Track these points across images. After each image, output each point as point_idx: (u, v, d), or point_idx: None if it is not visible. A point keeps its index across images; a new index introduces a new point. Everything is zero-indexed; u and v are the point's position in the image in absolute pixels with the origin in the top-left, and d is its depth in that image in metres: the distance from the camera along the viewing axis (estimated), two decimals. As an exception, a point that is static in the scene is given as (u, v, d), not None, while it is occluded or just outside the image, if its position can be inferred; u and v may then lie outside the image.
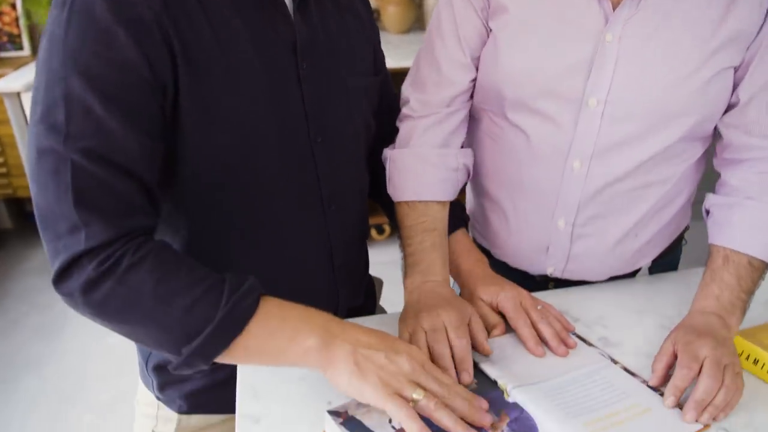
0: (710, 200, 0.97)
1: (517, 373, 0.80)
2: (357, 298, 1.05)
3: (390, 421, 0.71)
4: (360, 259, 1.06)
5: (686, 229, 1.12)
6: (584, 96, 0.89)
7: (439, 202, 0.98)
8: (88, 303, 0.67)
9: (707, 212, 0.98)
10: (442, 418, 0.66)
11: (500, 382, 0.78)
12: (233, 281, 0.70)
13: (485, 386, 0.79)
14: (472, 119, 1.04)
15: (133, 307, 0.67)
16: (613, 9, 0.86)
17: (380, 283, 1.19)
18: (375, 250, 1.26)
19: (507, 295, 0.91)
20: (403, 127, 1.01)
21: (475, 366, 0.81)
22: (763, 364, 0.85)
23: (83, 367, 2.27)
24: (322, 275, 0.94)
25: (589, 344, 0.90)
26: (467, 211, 1.15)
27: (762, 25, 0.85)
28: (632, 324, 0.96)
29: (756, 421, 0.76)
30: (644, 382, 0.82)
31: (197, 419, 0.96)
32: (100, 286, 0.66)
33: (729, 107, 0.92)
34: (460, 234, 1.03)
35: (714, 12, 0.84)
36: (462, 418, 0.67)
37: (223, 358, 0.69)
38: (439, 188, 0.98)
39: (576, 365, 0.84)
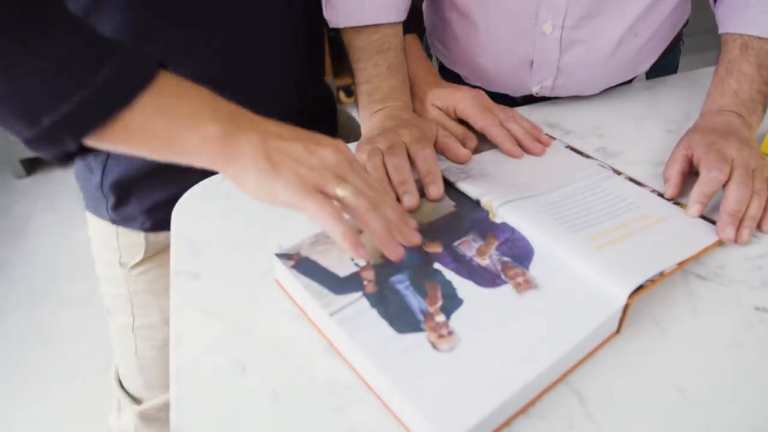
0: None
1: (504, 190, 0.67)
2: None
3: (352, 259, 0.58)
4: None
5: (686, 24, 0.96)
6: None
7: (390, 24, 0.81)
8: None
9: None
10: (372, 221, 0.51)
11: (483, 201, 0.65)
12: (128, 47, 0.50)
13: (466, 208, 0.65)
14: None
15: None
16: None
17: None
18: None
19: (465, 96, 0.77)
20: None
21: (453, 186, 0.68)
22: None
23: (52, 266, 2.15)
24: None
25: (586, 156, 0.76)
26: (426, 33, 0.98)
27: None
28: (632, 131, 0.82)
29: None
30: (655, 191, 0.69)
31: (165, 236, 0.84)
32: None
33: None
34: (409, 39, 0.87)
35: None
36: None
37: (96, 138, 0.49)
38: (389, 6, 0.81)
39: (573, 178, 0.71)
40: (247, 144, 0.51)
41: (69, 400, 1.72)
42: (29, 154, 2.53)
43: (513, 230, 0.61)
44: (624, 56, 0.86)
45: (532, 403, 0.48)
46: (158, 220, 0.84)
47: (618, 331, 0.54)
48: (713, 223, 0.64)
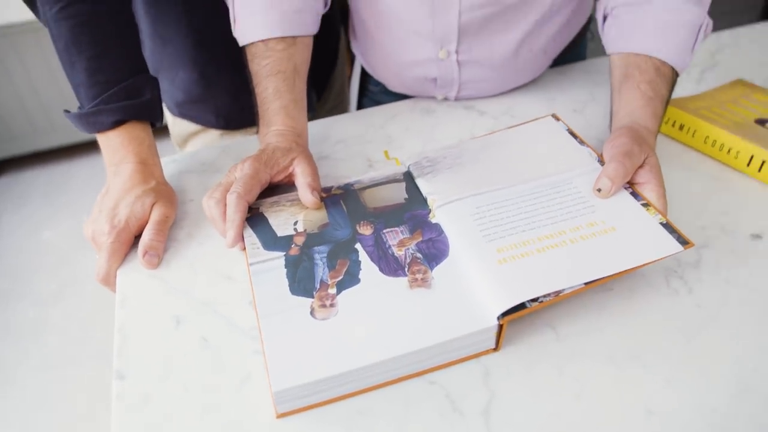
0: (609, 1, 0.82)
1: (457, 187, 0.68)
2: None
3: (295, 223, 0.67)
4: None
5: (590, 20, 1.02)
6: None
7: (283, 39, 0.80)
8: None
9: (603, 18, 0.84)
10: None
11: (429, 200, 0.68)
12: (123, 90, 0.76)
13: (413, 202, 0.69)
14: None
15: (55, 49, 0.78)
16: None
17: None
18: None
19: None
20: None
21: (412, 179, 0.73)
22: (689, 128, 0.84)
23: (21, 264, 2.20)
24: None
25: (581, 141, 0.74)
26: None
27: None
28: (543, 111, 0.91)
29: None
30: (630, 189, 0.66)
31: (182, 125, 1.11)
32: (38, 15, 0.79)
33: None
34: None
35: None
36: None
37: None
38: (283, 23, 0.80)
39: (554, 170, 0.69)
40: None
41: (39, 392, 1.77)
42: (-3, 156, 2.57)
43: (441, 232, 0.64)
44: (522, 65, 0.92)
45: (385, 385, 0.54)
46: (180, 112, 1.11)
47: (496, 348, 0.56)
48: (673, 233, 0.60)
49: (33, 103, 2.48)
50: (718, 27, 0.95)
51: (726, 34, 1.14)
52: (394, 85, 0.98)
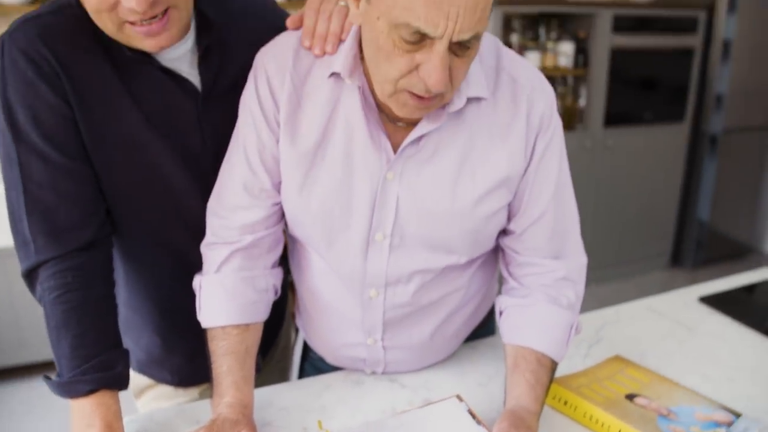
0: (504, 302, 1.03)
1: None
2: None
3: None
4: None
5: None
6: (371, 231, 0.93)
7: (237, 326, 0.98)
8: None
9: (500, 313, 1.04)
10: None
11: None
12: (99, 363, 0.91)
13: None
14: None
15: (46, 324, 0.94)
16: (395, 149, 0.90)
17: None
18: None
19: None
20: (209, 253, 1.00)
21: None
22: (571, 404, 1.03)
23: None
24: None
25: (478, 422, 0.92)
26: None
27: (527, 168, 0.93)
28: (454, 384, 1.08)
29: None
30: None
31: (140, 379, 1.24)
32: (36, 295, 0.96)
33: (506, 232, 1.00)
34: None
35: (489, 156, 0.91)
36: None
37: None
38: (239, 313, 0.98)
39: None
40: None
41: None
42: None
43: None
44: (438, 347, 1.10)
45: None
46: (138, 368, 1.24)
47: None
48: None
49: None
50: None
51: (610, 312, 1.38)
52: (330, 360, 1.15)
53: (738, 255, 4.06)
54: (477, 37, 0.76)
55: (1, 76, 0.91)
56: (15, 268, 0.86)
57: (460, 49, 0.76)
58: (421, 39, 0.74)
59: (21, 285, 1.01)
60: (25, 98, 0.91)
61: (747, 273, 1.60)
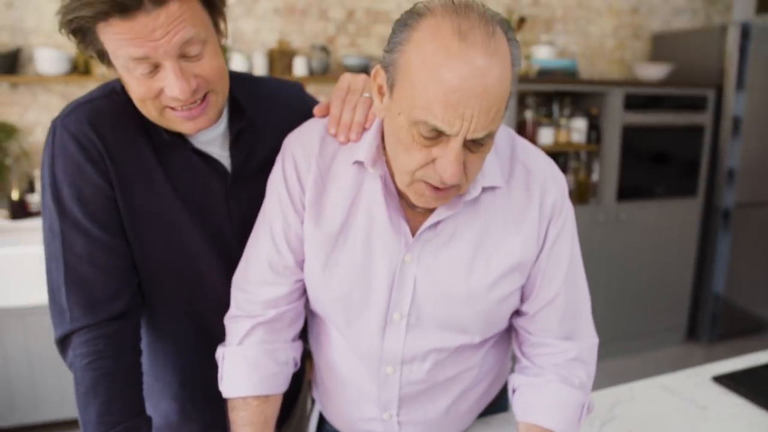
0: (517, 380, 1.06)
1: None
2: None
3: None
4: None
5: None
6: (389, 311, 0.97)
7: (257, 397, 1.02)
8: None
9: (513, 390, 1.07)
10: None
11: None
12: (123, 430, 0.95)
13: None
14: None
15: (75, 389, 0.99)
16: (413, 233, 0.95)
17: None
18: None
19: None
20: (232, 326, 1.05)
21: None
22: None
23: None
24: None
25: None
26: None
27: (539, 254, 0.98)
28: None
29: None
30: None
31: None
32: (66, 361, 1.01)
33: (519, 313, 1.04)
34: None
35: (503, 242, 0.96)
36: None
37: None
38: (260, 385, 1.02)
39: None
40: None
41: None
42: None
43: None
44: (452, 422, 1.10)
45: None
46: None
47: None
48: None
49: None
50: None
51: (624, 389, 1.39)
52: None
53: (755, 329, 4.01)
54: (491, 135, 0.82)
55: (50, 156, 0.99)
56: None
57: (475, 145, 0.82)
58: (438, 135, 0.80)
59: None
60: (71, 178, 0.98)
61: (762, 352, 1.61)
